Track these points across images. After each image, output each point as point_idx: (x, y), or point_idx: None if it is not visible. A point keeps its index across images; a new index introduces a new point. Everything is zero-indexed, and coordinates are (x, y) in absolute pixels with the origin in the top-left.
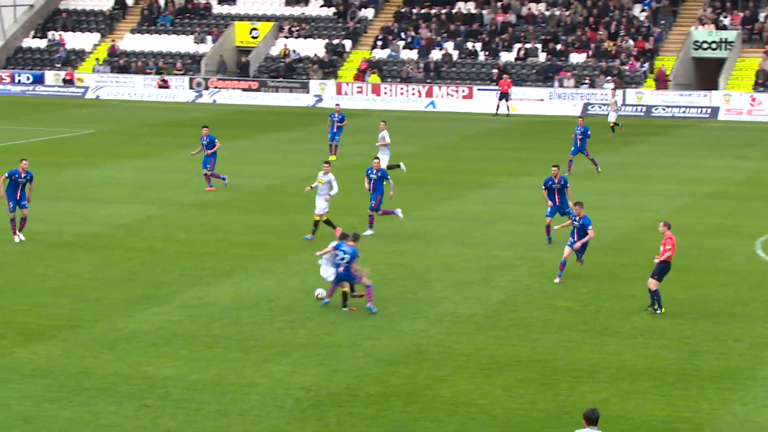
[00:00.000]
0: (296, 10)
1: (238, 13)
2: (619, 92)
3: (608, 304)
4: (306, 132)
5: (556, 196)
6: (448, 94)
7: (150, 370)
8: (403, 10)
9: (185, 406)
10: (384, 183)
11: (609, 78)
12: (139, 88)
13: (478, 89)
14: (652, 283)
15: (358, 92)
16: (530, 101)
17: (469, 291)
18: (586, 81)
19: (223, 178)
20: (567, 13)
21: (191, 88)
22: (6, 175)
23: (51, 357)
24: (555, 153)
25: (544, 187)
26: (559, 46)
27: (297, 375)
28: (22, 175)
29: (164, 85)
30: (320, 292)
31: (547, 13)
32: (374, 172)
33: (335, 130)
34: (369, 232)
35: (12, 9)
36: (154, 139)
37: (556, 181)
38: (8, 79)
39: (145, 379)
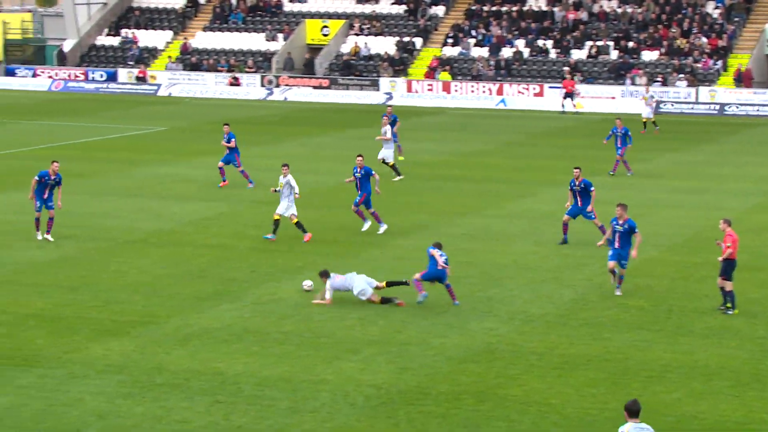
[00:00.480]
0: (367, 8)
1: (309, 10)
2: (653, 88)
3: (680, 304)
4: (376, 129)
5: (578, 198)
6: (518, 91)
7: (222, 366)
8: (474, 8)
9: (257, 403)
10: (370, 179)
11: (681, 77)
12: (211, 85)
13: (549, 87)
14: (727, 284)
15: (428, 90)
16: (602, 99)
17: (540, 289)
18: (659, 79)
19: (250, 181)
20: (639, 10)
21: (262, 85)
22: (37, 176)
23: (125, 353)
24: (632, 152)
25: (569, 188)
26: (631, 44)
27: (367, 372)
28: (52, 177)
29: (235, 82)
30: (307, 283)
31: (619, 11)
32: (358, 170)
33: (395, 132)
34: (366, 225)
35: (86, 7)
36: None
37: (578, 182)
38: (82, 77)
39: (216, 375)
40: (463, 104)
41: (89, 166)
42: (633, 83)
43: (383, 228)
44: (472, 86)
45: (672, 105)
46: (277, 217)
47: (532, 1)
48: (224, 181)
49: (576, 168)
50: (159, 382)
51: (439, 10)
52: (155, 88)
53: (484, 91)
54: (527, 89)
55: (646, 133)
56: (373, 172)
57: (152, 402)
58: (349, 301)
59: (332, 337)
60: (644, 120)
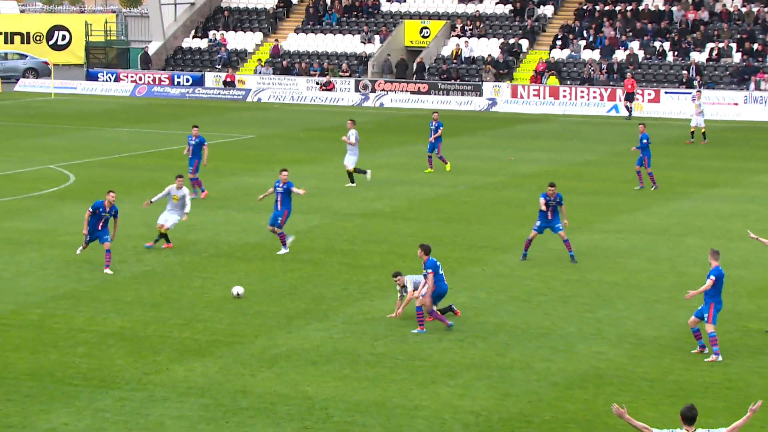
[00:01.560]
0: (470, 8)
1: (408, 11)
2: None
3: None
4: (479, 137)
5: (549, 213)
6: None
7: (310, 389)
8: (585, 7)
9: (347, 430)
10: (291, 197)
11: None
12: (303, 90)
13: (666, 92)
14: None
15: (534, 95)
16: (723, 105)
17: (654, 310)
18: None
19: (202, 190)
20: (766, 9)
21: (357, 90)
22: (90, 208)
23: (208, 374)
24: (750, 162)
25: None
26: (756, 46)
27: (466, 398)
28: (107, 209)
29: (328, 87)
30: (237, 289)
31: (744, 10)
32: (281, 185)
33: (433, 141)
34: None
35: (172, 7)
36: (317, 144)
37: (552, 198)
38: (167, 81)
39: (305, 399)
40: (571, 111)
41: (172, 174)
42: (758, 88)
43: (284, 251)
44: (582, 91)
45: None
46: (161, 230)
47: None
48: (202, 192)
49: (551, 185)
50: (244, 406)
51: (547, 10)
52: (244, 93)
53: (594, 97)
54: (642, 94)
55: (693, 143)
56: (293, 187)
57: (236, 427)
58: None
59: (428, 360)
60: (692, 129)
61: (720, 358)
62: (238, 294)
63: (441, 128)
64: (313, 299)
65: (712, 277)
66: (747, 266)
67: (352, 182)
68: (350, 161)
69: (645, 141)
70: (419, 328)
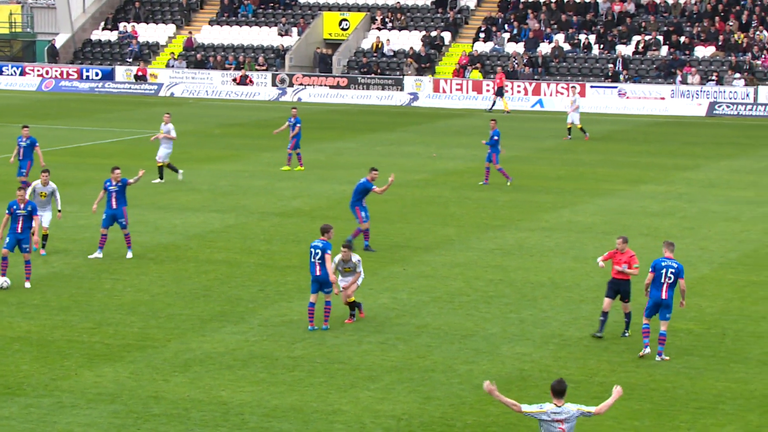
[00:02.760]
0: (391, 0)
1: (326, 2)
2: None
3: (736, 327)
4: (400, 133)
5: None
6: (557, 92)
7: (225, 394)
8: None
9: None
10: (125, 194)
11: (738, 75)
12: (218, 84)
13: (591, 86)
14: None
15: (457, 90)
16: (649, 100)
17: (579, 311)
18: (713, 77)
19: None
20: (693, 1)
21: (274, 85)
22: (6, 210)
23: (118, 380)
24: (677, 158)
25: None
26: (683, 39)
27: (387, 402)
28: (21, 207)
29: (245, 81)
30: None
31: (671, 2)
32: (113, 183)
33: (292, 138)
34: (97, 254)
35: None
36: (232, 140)
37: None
38: (75, 75)
39: (219, 405)
40: (496, 106)
41: (82, 173)
42: (684, 82)
43: (98, 255)
44: (506, 86)
45: (728, 106)
46: (44, 231)
47: None
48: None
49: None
50: (156, 413)
51: (470, 1)
52: (156, 87)
53: (519, 91)
54: (567, 89)
55: (571, 139)
56: (129, 181)
57: None
58: (367, 323)
59: (348, 363)
60: (569, 125)
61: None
62: (1, 286)
63: (299, 125)
64: (228, 301)
65: (683, 278)
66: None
67: (161, 178)
68: (163, 155)
69: (495, 138)
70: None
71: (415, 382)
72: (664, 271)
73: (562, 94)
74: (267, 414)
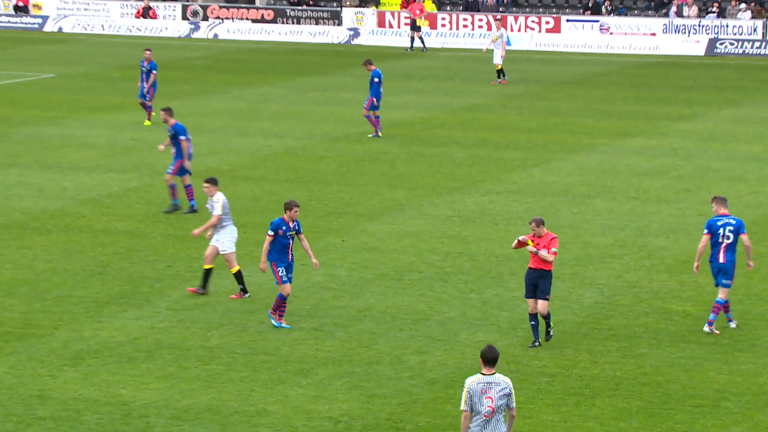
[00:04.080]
0: None
1: None
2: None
3: (741, 308)
4: (338, 76)
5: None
6: (527, 26)
7: (126, 393)
8: None
9: None
10: None
11: (743, 6)
12: (116, 18)
13: (568, 20)
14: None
15: (406, 24)
16: (638, 36)
17: (553, 290)
18: (714, 9)
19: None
20: None
21: (185, 18)
22: None
23: None
24: (670, 105)
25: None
26: None
27: (322, 401)
28: None
29: (148, 14)
30: None
31: None
32: None
33: (145, 86)
34: None
35: None
36: (134, 85)
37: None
38: None
39: (119, 405)
40: (453, 44)
41: None
42: (679, 15)
43: None
44: (465, 19)
45: (731, 44)
46: None
47: None
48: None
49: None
50: (41, 415)
51: None
52: (40, 21)
53: (481, 26)
54: (538, 23)
55: (497, 84)
56: None
57: None
58: (298, 306)
59: (275, 354)
60: (498, 67)
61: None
62: None
63: (155, 72)
64: (129, 280)
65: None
66: (667, 234)
67: None
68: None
69: (377, 80)
70: (277, 320)
71: (357, 376)
72: (721, 230)
73: (532, 29)
74: (177, 416)
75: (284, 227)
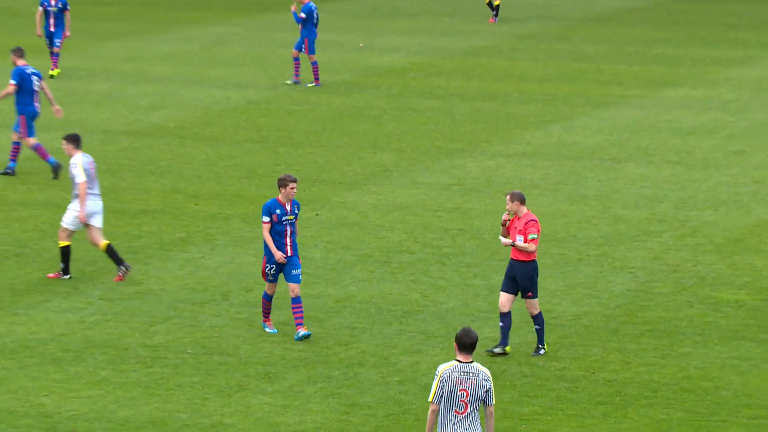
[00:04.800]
0: None
1: None
2: None
3: None
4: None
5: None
6: None
7: (50, 402)
8: None
9: None
10: None
11: None
12: None
13: None
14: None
15: None
16: None
17: (576, 274)
18: None
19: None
20: None
21: None
22: None
23: None
24: (720, 48)
25: None
26: None
27: (292, 412)
28: None
29: None
30: None
31: None
32: None
33: (51, 28)
34: None
35: None
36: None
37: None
38: None
39: (41, 417)
40: None
41: None
42: None
43: None
44: None
45: None
46: None
47: None
48: None
49: None
50: None
51: None
52: None
53: None
54: None
55: (494, 23)
56: None
57: None
58: (259, 293)
59: (234, 355)
60: (497, 2)
61: None
62: None
63: (68, 9)
64: (55, 263)
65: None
66: (716, 207)
67: None
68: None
69: (302, 15)
70: (266, 323)
71: (334, 381)
72: None
73: None
74: (112, 430)
75: (279, 210)
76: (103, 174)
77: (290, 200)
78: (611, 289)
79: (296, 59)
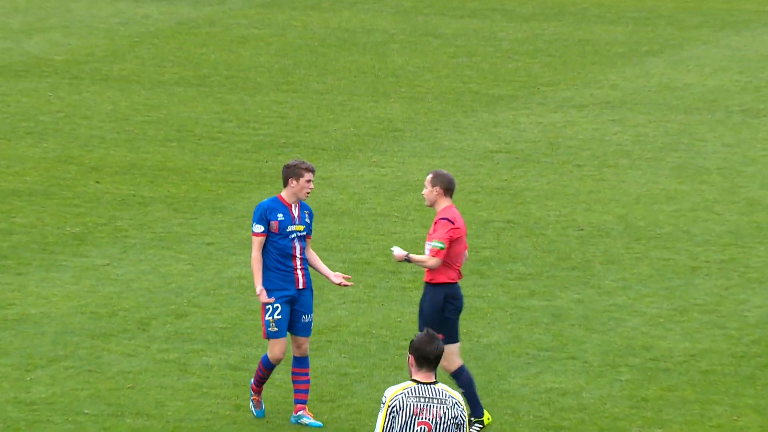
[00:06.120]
0: None
1: None
2: None
3: None
4: None
5: None
6: None
7: None
8: None
9: None
10: None
11: None
12: None
13: None
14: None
15: None
16: None
17: (690, 291)
18: None
19: None
20: None
21: None
22: None
23: None
24: None
25: None
26: None
27: None
28: None
29: None
30: None
31: None
32: None
33: None
34: None
35: None
36: None
37: None
38: None
39: None
40: None
41: None
42: None
43: None
44: None
45: None
46: None
47: None
48: None
49: None
50: None
51: None
52: None
53: None
54: None
55: None
56: None
57: None
58: (199, 320)
59: (158, 417)
60: None
61: None
62: None
63: None
64: None
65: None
66: None
67: None
68: None
69: None
70: (254, 402)
71: None
72: None
73: None
74: None
75: (281, 215)
76: None
77: (298, 202)
78: (744, 314)
79: None
